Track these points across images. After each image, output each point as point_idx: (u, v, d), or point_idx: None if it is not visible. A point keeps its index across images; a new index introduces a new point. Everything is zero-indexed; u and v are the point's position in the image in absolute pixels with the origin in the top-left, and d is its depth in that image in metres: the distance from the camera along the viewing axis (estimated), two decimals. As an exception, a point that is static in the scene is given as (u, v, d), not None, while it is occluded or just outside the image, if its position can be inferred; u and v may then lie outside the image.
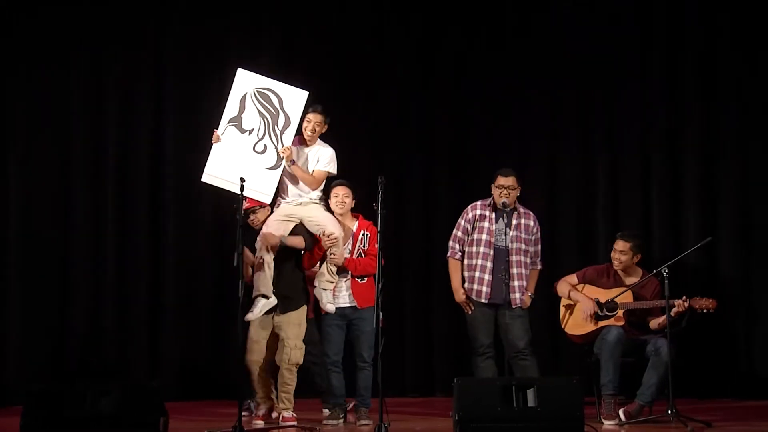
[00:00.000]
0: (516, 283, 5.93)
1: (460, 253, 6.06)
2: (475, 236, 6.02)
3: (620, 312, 6.02)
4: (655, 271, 5.92)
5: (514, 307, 5.90)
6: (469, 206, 6.13)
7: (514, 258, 5.93)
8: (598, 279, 6.21)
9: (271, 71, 7.71)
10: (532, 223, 6.06)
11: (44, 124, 7.26)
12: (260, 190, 5.76)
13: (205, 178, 5.80)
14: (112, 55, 7.42)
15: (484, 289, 5.92)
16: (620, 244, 6.16)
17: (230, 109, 5.80)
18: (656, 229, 7.63)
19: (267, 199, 5.83)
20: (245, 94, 5.82)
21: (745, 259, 7.46)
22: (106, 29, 7.40)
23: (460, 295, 6.01)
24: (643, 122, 7.76)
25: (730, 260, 7.48)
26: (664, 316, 5.84)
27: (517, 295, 5.92)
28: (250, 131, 5.78)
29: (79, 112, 7.33)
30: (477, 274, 5.97)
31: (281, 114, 5.82)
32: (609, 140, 7.82)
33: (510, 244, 5.90)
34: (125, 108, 7.44)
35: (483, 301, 5.93)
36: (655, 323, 6.02)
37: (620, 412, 5.80)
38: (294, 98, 5.85)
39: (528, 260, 6.03)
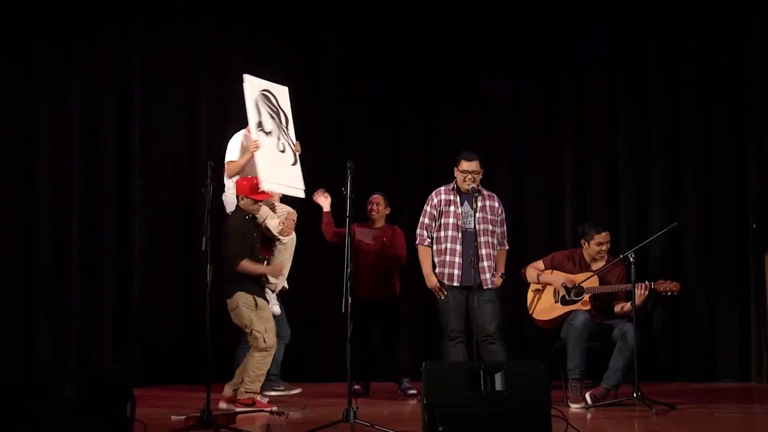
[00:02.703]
0: (485, 263, 5.94)
1: (428, 240, 6.07)
2: (443, 221, 6.04)
3: (587, 297, 6.07)
4: (621, 256, 5.99)
5: (484, 288, 5.91)
6: (434, 192, 6.14)
7: (482, 239, 5.95)
8: (565, 264, 6.26)
9: (240, 59, 7.74)
10: (497, 204, 6.10)
11: (6, 118, 7.14)
12: (294, 185, 5.92)
13: (266, 186, 5.74)
14: (77, 46, 7.32)
15: (456, 272, 5.94)
16: (605, 236, 6.19)
17: (252, 116, 5.78)
18: (622, 216, 7.74)
19: (302, 194, 5.98)
20: (256, 99, 5.82)
21: (707, 246, 7.60)
22: (72, 21, 7.30)
23: (432, 281, 6.01)
24: (611, 113, 7.87)
25: (693, 247, 7.61)
26: (629, 303, 5.91)
27: (487, 275, 5.95)
28: (270, 133, 5.86)
29: (43, 105, 7.24)
30: (447, 257, 5.99)
31: (281, 111, 5.94)
32: (576, 129, 7.92)
33: (477, 226, 5.92)
34: (91, 96, 7.37)
35: (455, 284, 5.95)
36: (618, 308, 6.09)
37: (587, 395, 5.87)
38: (282, 94, 5.96)
39: (495, 241, 6.07)
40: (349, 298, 4.98)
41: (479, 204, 5.97)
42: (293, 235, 5.97)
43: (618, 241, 7.24)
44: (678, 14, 7.77)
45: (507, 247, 6.18)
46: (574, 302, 6.08)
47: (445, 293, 5.97)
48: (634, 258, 5.79)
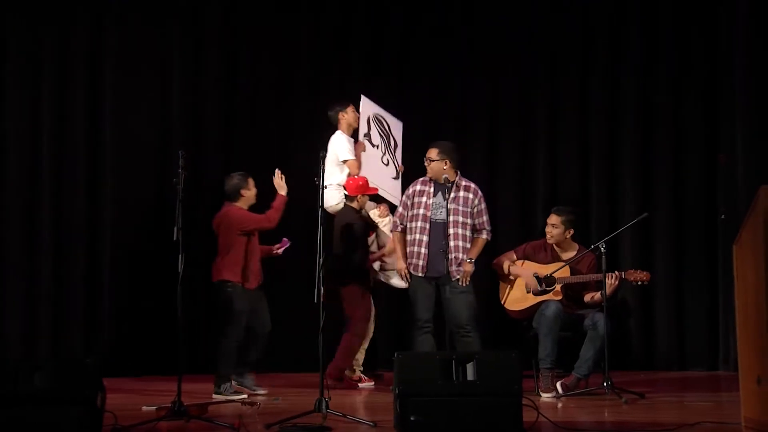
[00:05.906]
0: (453, 255, 5.93)
1: (401, 227, 6.12)
2: (414, 211, 6.05)
3: (558, 287, 6.11)
4: (593, 246, 6.03)
5: (453, 279, 5.93)
6: (412, 183, 6.16)
7: (451, 231, 5.94)
8: (536, 254, 6.30)
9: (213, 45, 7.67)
10: (471, 195, 6.05)
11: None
12: (392, 193, 6.77)
13: (370, 183, 6.60)
14: (47, 23, 7.24)
15: (421, 262, 5.97)
16: (553, 218, 6.27)
17: (362, 127, 6.76)
18: (594, 204, 7.80)
19: (397, 202, 6.55)
20: (369, 116, 6.80)
21: (677, 236, 7.68)
22: (43, 7, 7.22)
23: (400, 263, 6.07)
24: (582, 98, 7.91)
25: (663, 236, 7.69)
26: (599, 292, 5.96)
27: (455, 267, 5.94)
28: (377, 146, 6.80)
29: (13, 93, 7.18)
30: (416, 248, 6.00)
31: (391, 137, 6.92)
32: (548, 117, 7.94)
33: (448, 218, 5.92)
34: (61, 83, 7.30)
35: (420, 274, 5.98)
36: (588, 297, 6.14)
37: (557, 385, 5.91)
38: (396, 125, 6.97)
39: (468, 233, 6.02)
40: (321, 288, 4.97)
41: (452, 195, 5.97)
42: (389, 216, 6.57)
43: (589, 227, 7.30)
44: (653, 2, 7.82)
45: (486, 237, 6.07)
46: (545, 292, 6.12)
47: (410, 279, 6.01)
48: (605, 248, 5.83)
